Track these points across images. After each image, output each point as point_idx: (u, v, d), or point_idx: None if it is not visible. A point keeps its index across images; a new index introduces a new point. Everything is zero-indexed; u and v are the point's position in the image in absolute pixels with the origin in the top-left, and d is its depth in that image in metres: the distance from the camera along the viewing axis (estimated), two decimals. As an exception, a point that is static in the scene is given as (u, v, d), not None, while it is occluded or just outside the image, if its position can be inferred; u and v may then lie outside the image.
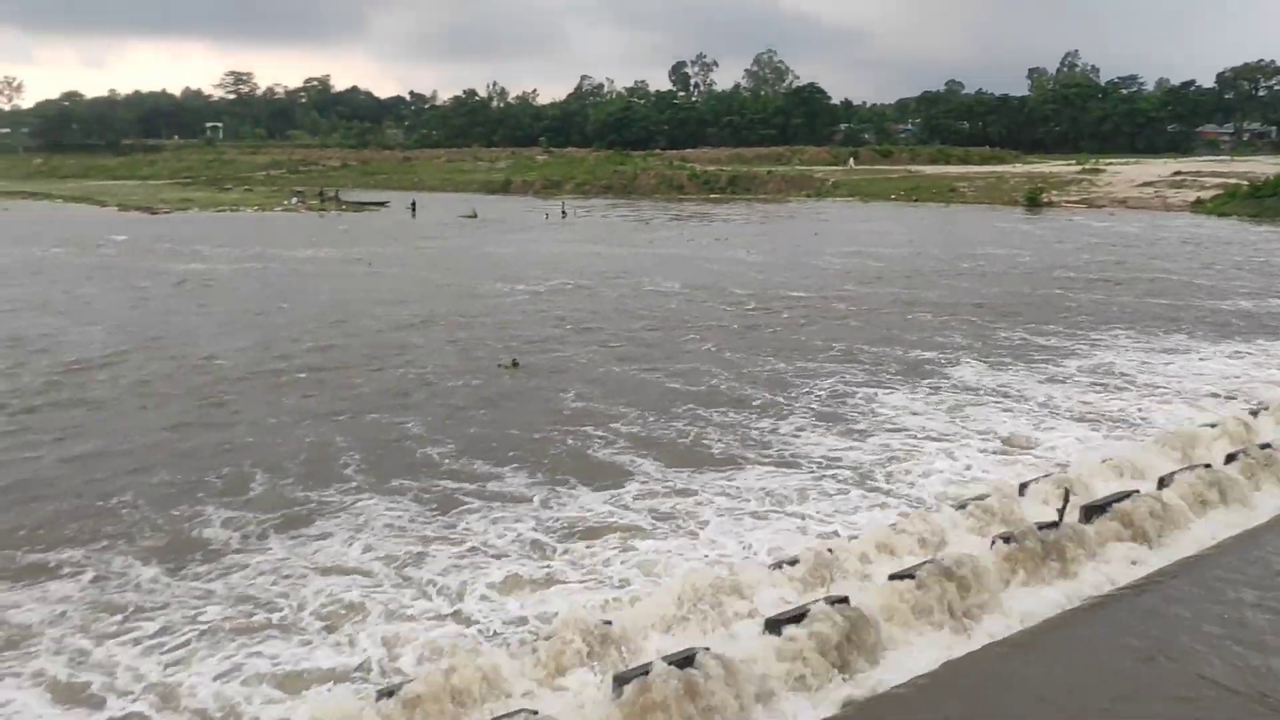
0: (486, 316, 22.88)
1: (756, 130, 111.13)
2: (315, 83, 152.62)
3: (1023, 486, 10.47)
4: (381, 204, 63.23)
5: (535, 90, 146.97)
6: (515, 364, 17.36)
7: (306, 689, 7.07)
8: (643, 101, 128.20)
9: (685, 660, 6.61)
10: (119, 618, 8.11)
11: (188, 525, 10.13)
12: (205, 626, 7.96)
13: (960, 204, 62.06)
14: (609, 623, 7.36)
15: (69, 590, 8.62)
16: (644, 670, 6.51)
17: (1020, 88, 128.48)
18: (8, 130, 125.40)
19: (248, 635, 7.85)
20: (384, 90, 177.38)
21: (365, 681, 7.14)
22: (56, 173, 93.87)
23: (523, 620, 8.08)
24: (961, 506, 9.88)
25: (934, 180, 70.56)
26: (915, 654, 7.44)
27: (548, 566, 9.16)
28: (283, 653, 7.59)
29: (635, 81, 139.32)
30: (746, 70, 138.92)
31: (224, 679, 7.23)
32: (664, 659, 6.61)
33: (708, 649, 6.82)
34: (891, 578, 8.07)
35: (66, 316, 22.68)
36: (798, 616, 7.27)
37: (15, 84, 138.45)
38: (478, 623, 8.07)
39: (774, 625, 7.27)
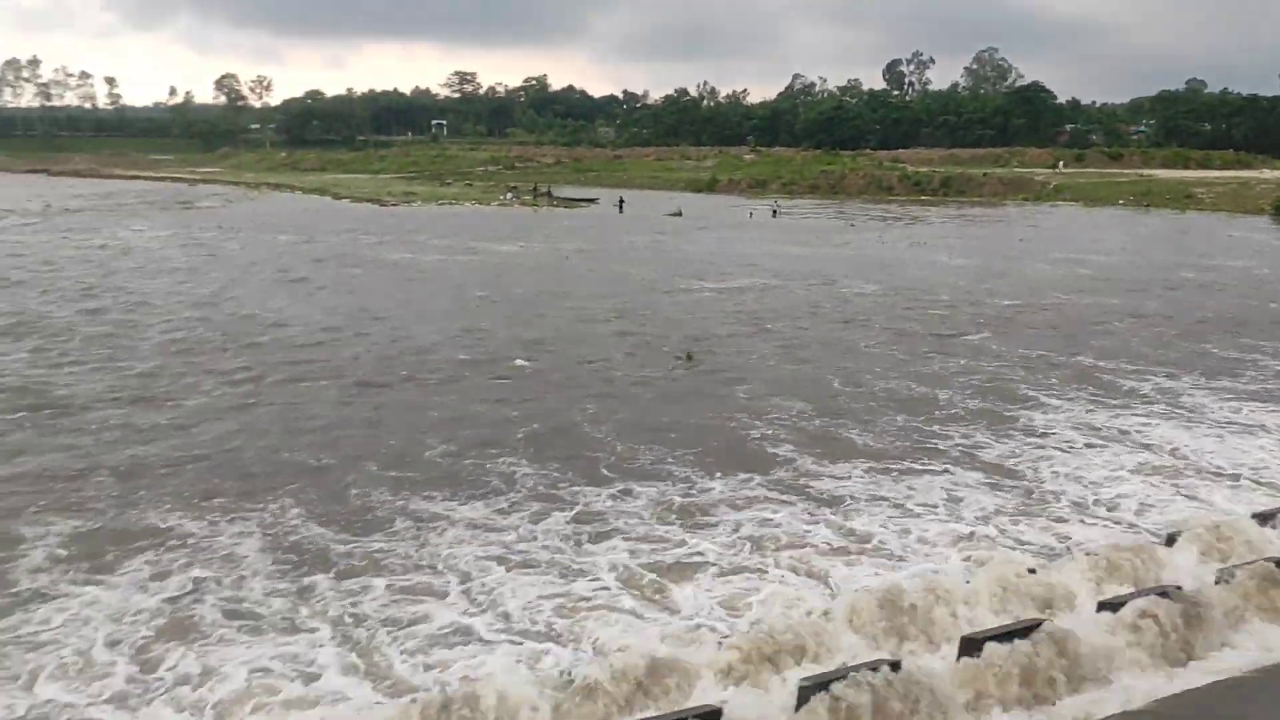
0: (674, 311, 24.03)
1: (974, 131, 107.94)
2: (534, 82, 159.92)
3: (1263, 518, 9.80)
4: (591, 200, 65.94)
5: (745, 90, 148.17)
6: (690, 357, 18.45)
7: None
8: (854, 101, 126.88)
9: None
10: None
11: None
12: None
13: (1196, 211, 58.32)
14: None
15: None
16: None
17: (1271, 86, 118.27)
18: (258, 126, 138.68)
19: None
20: (598, 89, 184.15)
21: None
22: (298, 166, 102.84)
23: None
24: (1175, 536, 9.38)
25: (1168, 184, 66.47)
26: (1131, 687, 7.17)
27: (757, 562, 9.60)
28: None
29: (848, 80, 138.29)
30: (965, 68, 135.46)
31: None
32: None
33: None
34: (1102, 606, 7.76)
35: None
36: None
37: (265, 83, 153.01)
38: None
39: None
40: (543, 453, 12.75)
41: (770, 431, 13.90)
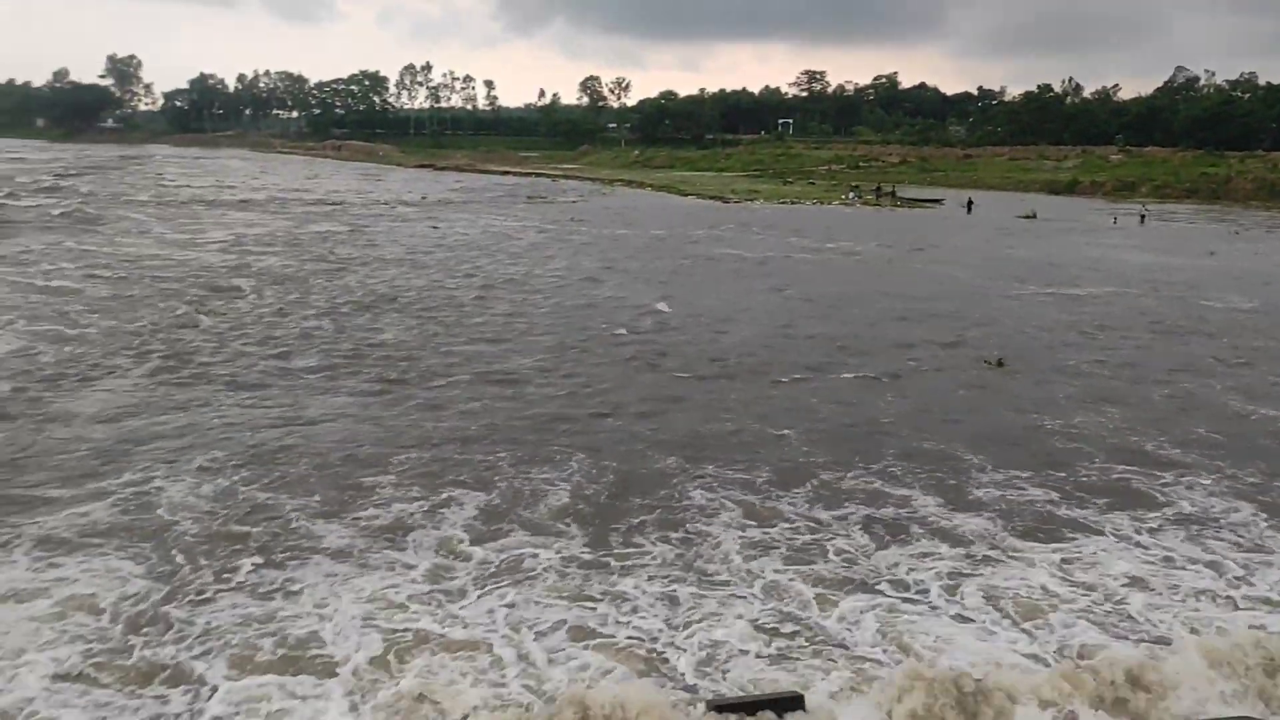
0: (998, 316, 23.89)
1: None
2: (883, 80, 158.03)
3: None
4: (936, 201, 64.83)
5: (1115, 85, 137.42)
6: (1000, 363, 18.40)
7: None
8: (1246, 96, 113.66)
9: None
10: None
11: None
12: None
13: None
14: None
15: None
16: None
17: None
18: (615, 125, 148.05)
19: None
20: (951, 87, 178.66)
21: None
22: (649, 163, 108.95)
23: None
24: None
25: None
26: None
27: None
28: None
29: (1240, 74, 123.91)
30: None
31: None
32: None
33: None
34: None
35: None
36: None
37: (624, 85, 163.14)
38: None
39: None
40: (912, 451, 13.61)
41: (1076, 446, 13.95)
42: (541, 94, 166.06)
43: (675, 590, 9.40)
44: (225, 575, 9.47)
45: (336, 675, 7.85)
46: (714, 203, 63.41)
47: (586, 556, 10.11)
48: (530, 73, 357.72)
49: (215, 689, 7.62)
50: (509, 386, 16.50)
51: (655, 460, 12.97)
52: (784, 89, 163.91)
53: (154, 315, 21.96)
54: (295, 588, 9.27)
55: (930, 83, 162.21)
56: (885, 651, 8.36)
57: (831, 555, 10.22)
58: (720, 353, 19.20)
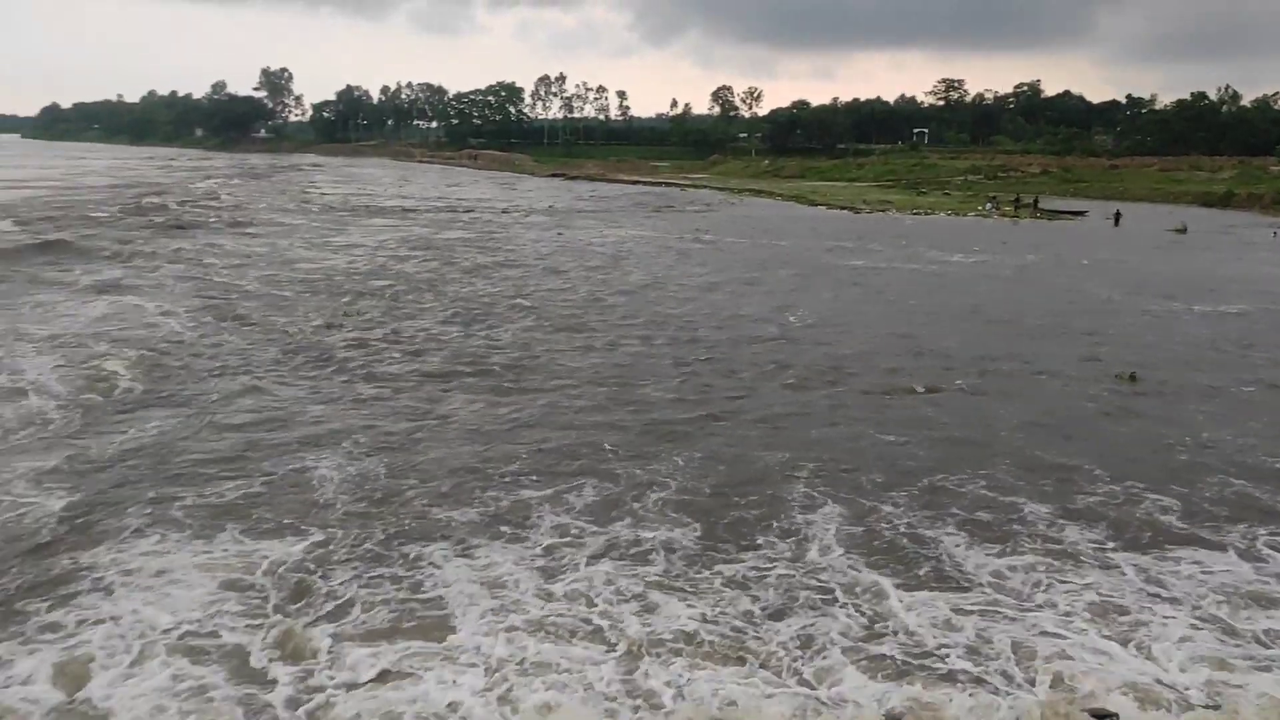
0: (1131, 331, 23.19)
1: None
2: (1024, 88, 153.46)
3: None
4: (1080, 213, 62.73)
5: (1278, 93, 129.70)
6: (1133, 377, 17.92)
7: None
8: None
9: None
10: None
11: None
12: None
13: None
14: None
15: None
16: None
17: None
18: (745, 135, 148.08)
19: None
20: (1096, 95, 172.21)
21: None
22: (779, 173, 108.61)
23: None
24: None
25: None
26: None
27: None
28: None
29: None
30: None
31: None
32: None
33: None
34: None
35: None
36: None
37: (756, 94, 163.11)
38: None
39: None
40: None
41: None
42: (674, 104, 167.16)
43: (768, 589, 9.74)
44: (363, 548, 10.38)
45: (458, 646, 8.55)
46: (844, 213, 62.93)
47: (691, 548, 10.59)
48: (662, 82, 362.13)
49: (346, 655, 8.38)
50: (626, 388, 17.08)
51: (767, 463, 13.31)
52: (920, 97, 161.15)
53: (302, 313, 23.51)
54: (424, 562, 10.09)
55: (1075, 90, 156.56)
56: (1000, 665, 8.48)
57: (934, 562, 10.35)
58: (841, 363, 19.30)
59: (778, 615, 9.20)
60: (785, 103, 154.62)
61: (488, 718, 7.59)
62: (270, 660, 8.29)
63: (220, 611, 8.98)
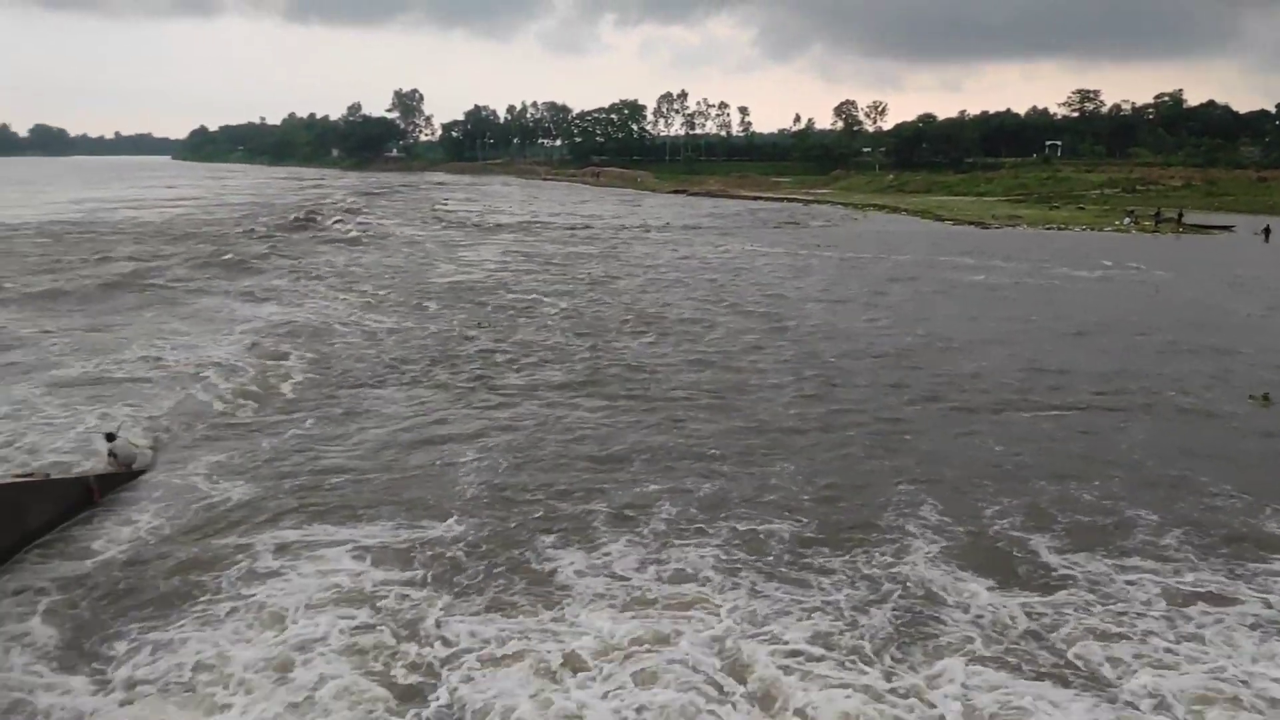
0: (1268, 350, 22.57)
1: None
2: (1165, 98, 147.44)
3: None
4: (1225, 228, 60.24)
5: None
6: (1266, 398, 17.53)
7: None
8: None
9: None
10: None
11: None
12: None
13: None
14: None
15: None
16: None
17: None
18: (869, 150, 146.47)
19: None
20: (1244, 104, 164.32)
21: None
22: (904, 188, 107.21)
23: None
24: None
25: None
26: None
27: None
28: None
29: None
30: None
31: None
32: None
33: None
34: None
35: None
36: None
37: (880, 109, 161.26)
38: None
39: None
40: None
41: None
42: (796, 119, 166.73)
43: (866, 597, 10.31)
44: (499, 534, 11.56)
45: (578, 622, 9.52)
46: (972, 228, 61.87)
47: (795, 544, 11.32)
48: (785, 98, 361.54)
49: (481, 628, 9.47)
50: (740, 397, 17.85)
51: (875, 470, 13.87)
52: (1052, 109, 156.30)
53: (436, 326, 24.86)
54: (551, 547, 11.23)
55: (1220, 100, 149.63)
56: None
57: (1036, 568, 10.76)
58: (957, 378, 19.47)
59: (876, 610, 9.80)
60: (910, 116, 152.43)
61: (603, 691, 8.41)
62: (416, 626, 9.40)
63: (381, 581, 10.30)
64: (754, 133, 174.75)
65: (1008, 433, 15.71)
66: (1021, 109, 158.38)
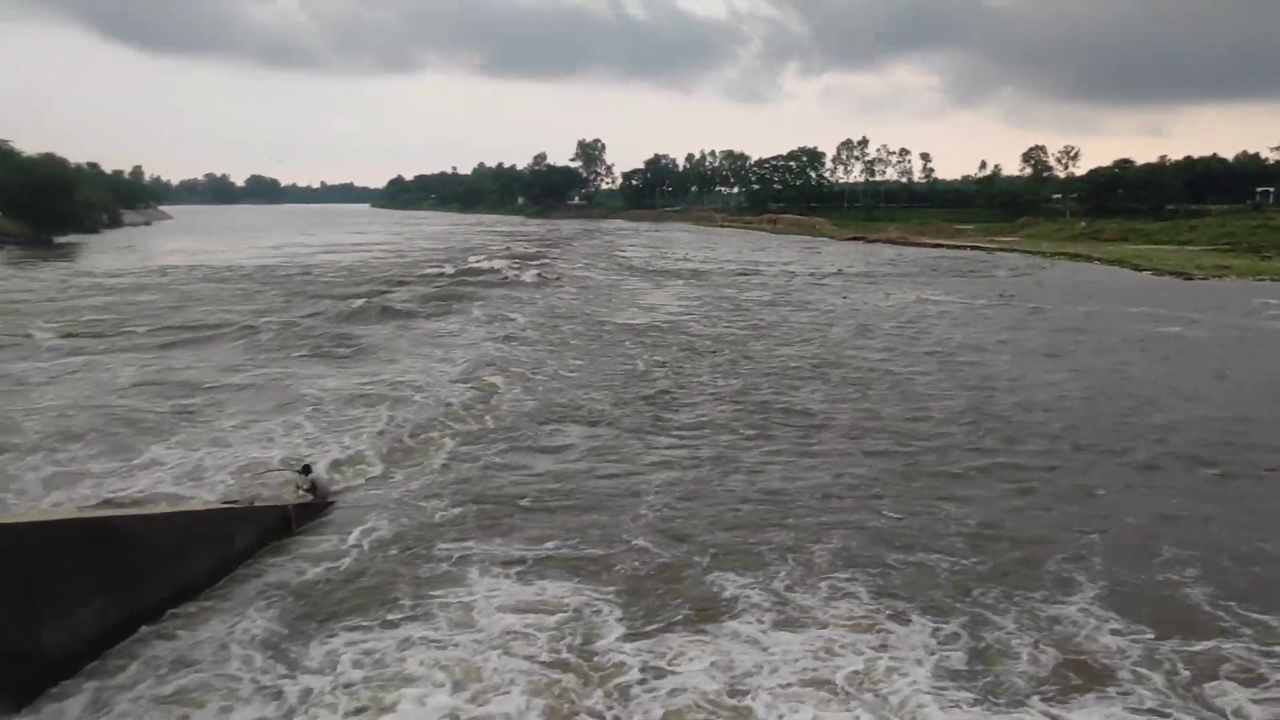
0: None
1: None
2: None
3: None
4: None
5: None
6: None
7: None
8: None
9: None
10: None
11: None
12: None
13: None
14: None
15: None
16: None
17: None
18: (1059, 196, 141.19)
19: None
20: None
21: None
22: (1098, 236, 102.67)
23: None
24: None
25: None
26: None
27: None
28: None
29: None
30: None
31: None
32: None
33: None
34: None
35: None
36: None
37: (1072, 154, 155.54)
38: None
39: None
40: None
41: None
42: (981, 165, 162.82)
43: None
44: (673, 564, 12.28)
45: (762, 644, 10.02)
46: (1173, 279, 58.73)
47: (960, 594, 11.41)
48: (969, 143, 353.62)
49: (660, 649, 10.12)
50: (910, 441, 17.96)
51: (1049, 521, 13.70)
52: (1264, 153, 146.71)
53: (617, 365, 26.20)
54: (721, 581, 11.68)
55: None
56: None
57: (1208, 623, 10.47)
58: (1142, 432, 18.85)
59: (1031, 650, 9.84)
60: (1105, 161, 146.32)
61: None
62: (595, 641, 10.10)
63: (566, 602, 11.04)
64: (936, 179, 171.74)
65: (1197, 489, 15.17)
66: (1230, 153, 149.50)
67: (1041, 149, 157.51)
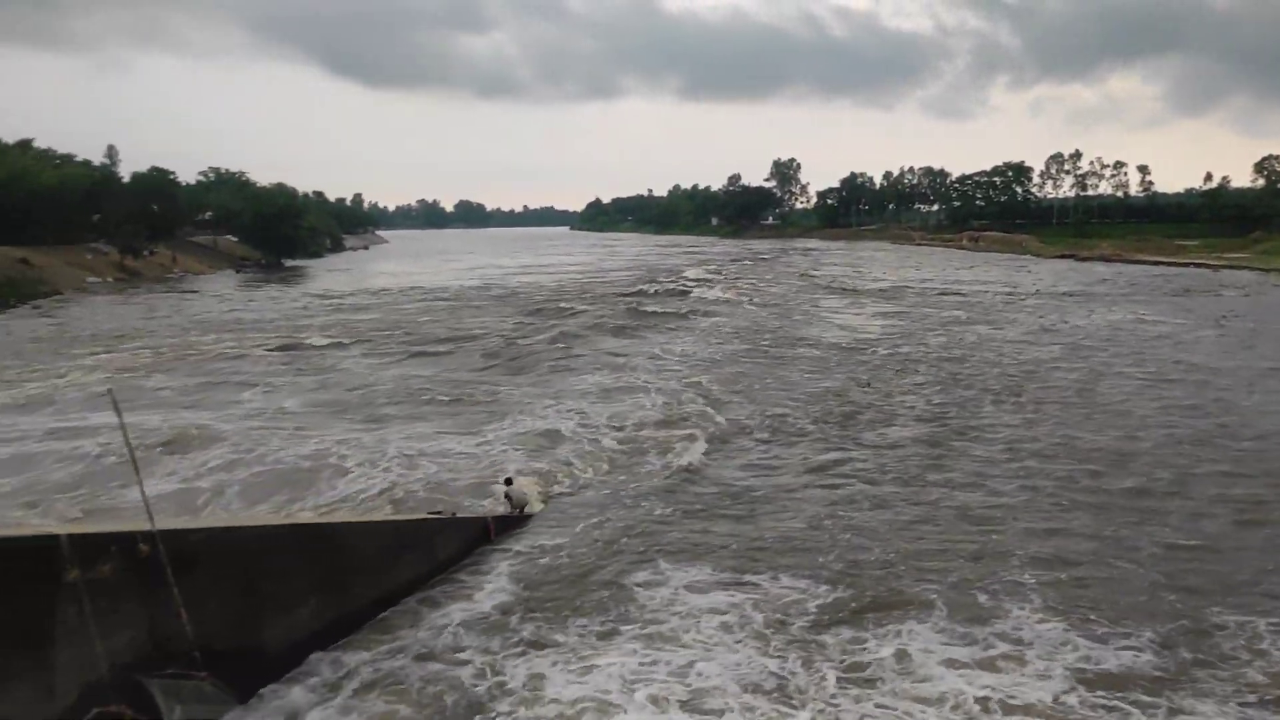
0: None
1: None
2: None
3: None
4: None
5: None
6: None
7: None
8: None
9: None
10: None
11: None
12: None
13: None
14: None
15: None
16: None
17: None
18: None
19: None
20: None
21: None
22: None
23: None
24: None
25: None
26: None
27: None
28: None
29: None
30: None
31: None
32: None
33: None
34: None
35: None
36: None
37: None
38: None
39: None
40: None
41: None
42: (1207, 177, 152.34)
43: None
44: (865, 580, 13.13)
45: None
46: None
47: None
48: (1193, 154, 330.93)
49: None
50: (1114, 471, 17.99)
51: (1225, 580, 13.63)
52: None
53: (818, 384, 27.15)
54: (902, 619, 11.91)
55: None
56: None
57: None
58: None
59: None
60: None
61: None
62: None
63: (759, 618, 11.92)
64: (1155, 192, 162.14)
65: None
66: None
67: (1277, 158, 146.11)
